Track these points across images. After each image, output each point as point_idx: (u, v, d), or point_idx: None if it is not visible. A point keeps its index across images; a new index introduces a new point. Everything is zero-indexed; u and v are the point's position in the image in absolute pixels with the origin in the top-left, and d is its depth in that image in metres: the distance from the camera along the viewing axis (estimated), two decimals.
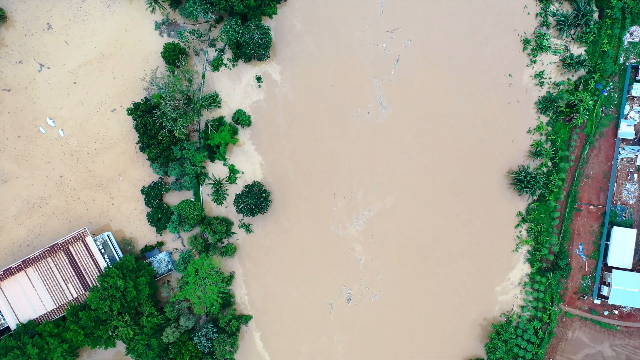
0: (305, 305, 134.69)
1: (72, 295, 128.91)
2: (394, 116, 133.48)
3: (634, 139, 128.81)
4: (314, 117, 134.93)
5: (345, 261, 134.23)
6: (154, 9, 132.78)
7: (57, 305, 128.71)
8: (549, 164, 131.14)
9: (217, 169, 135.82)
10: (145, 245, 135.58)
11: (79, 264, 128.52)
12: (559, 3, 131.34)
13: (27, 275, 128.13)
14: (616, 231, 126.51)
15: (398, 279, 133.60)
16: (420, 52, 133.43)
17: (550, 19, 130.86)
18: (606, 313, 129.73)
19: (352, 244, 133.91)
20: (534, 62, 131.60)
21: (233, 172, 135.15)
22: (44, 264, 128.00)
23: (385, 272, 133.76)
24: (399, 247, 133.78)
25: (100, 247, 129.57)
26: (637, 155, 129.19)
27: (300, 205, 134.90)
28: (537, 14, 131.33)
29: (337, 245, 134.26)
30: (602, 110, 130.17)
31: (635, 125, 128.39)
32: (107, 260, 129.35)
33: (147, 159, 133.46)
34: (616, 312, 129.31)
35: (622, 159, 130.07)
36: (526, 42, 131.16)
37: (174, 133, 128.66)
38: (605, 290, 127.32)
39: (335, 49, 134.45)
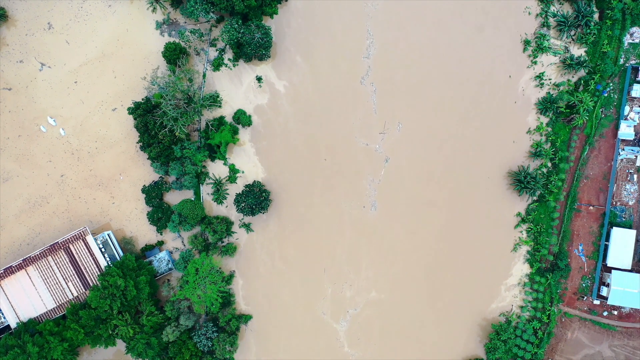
0: None
1: (72, 294, 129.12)
2: (383, 214, 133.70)
3: (634, 139, 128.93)
4: (311, 162, 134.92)
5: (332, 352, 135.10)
6: (154, 8, 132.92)
7: (58, 304, 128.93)
8: (549, 164, 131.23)
9: (217, 169, 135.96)
10: (146, 245, 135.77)
11: (80, 263, 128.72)
12: (560, 4, 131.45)
13: (28, 273, 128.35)
14: (616, 232, 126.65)
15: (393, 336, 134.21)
16: (414, 117, 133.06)
17: (551, 20, 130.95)
18: (605, 313, 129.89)
19: (341, 340, 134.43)
20: (535, 63, 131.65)
21: (233, 172, 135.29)
22: (44, 262, 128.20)
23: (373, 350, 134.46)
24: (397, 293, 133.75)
25: (101, 246, 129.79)
26: (636, 156, 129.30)
27: (295, 247, 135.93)
28: (537, 15, 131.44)
29: (325, 334, 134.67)
30: (602, 111, 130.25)
31: (635, 126, 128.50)
32: (108, 259, 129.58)
33: (148, 158, 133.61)
34: (615, 312, 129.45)
35: (621, 159, 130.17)
36: (526, 43, 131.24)
37: (175, 132, 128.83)
38: (604, 291, 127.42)
39: (330, 118, 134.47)
